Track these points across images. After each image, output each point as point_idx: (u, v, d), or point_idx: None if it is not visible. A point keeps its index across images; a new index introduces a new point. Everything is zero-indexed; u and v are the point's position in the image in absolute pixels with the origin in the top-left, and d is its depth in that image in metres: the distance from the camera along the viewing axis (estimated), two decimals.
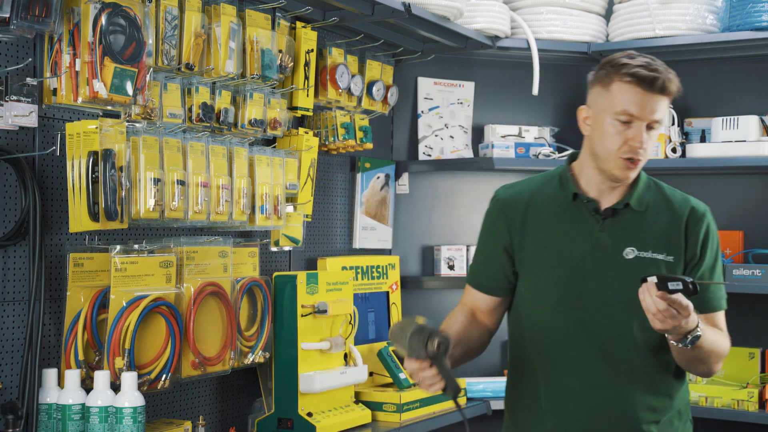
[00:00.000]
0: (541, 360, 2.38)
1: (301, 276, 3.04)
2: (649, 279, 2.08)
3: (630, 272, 2.24)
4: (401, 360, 2.22)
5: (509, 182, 2.56)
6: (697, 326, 2.14)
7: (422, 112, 4.13)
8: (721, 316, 2.37)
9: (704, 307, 2.32)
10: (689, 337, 2.14)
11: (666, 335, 2.18)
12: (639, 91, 2.22)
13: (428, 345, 2.09)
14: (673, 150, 3.88)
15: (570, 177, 2.38)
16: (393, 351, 2.21)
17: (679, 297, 2.05)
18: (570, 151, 2.48)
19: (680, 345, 2.17)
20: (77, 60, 2.39)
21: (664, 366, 2.33)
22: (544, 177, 2.46)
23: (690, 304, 2.07)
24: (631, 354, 2.31)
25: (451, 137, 4.16)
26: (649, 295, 2.06)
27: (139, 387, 2.44)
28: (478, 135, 4.22)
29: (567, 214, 2.36)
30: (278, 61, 3.05)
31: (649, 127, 2.26)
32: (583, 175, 2.37)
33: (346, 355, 3.19)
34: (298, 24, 3.22)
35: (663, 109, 2.26)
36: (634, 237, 2.32)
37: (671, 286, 2.04)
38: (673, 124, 3.96)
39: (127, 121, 2.55)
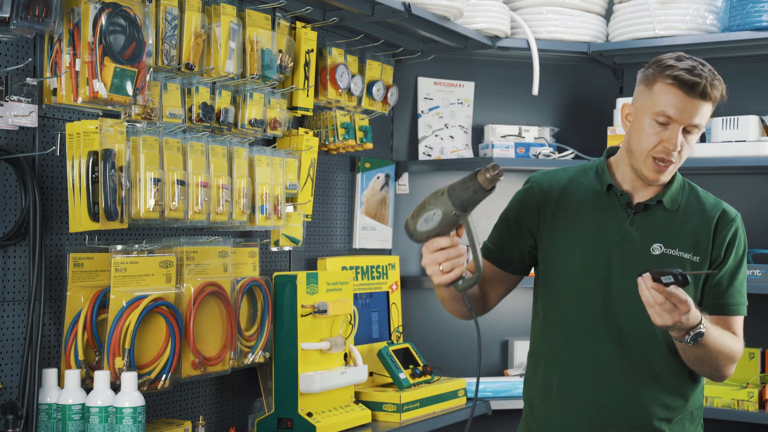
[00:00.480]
0: (558, 348, 2.39)
1: (301, 276, 3.04)
2: (644, 275, 2.09)
3: (655, 267, 2.25)
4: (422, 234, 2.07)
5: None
6: (700, 323, 2.15)
7: (422, 112, 4.13)
8: (737, 321, 2.38)
9: (720, 309, 2.34)
10: (691, 333, 2.15)
11: (670, 332, 2.19)
12: (679, 95, 2.23)
13: (478, 176, 2.00)
14: None
15: (607, 169, 2.41)
16: (413, 229, 2.02)
17: (677, 290, 2.06)
18: (608, 146, 2.51)
19: (681, 342, 2.18)
20: (77, 60, 2.39)
21: (680, 365, 2.33)
22: (581, 168, 2.49)
23: (689, 299, 2.08)
24: (649, 349, 2.32)
25: (451, 137, 4.16)
26: (646, 289, 2.08)
27: (139, 387, 2.44)
28: (478, 135, 4.22)
29: (599, 205, 2.38)
30: (278, 61, 3.05)
31: (687, 131, 2.27)
32: (619, 169, 2.40)
33: (346, 355, 3.19)
34: (298, 24, 3.22)
35: (704, 114, 2.27)
36: (663, 234, 2.34)
37: (664, 279, 2.06)
38: None
39: (127, 121, 2.55)
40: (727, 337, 2.30)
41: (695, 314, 2.12)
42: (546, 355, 2.42)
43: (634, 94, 2.37)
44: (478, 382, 2.15)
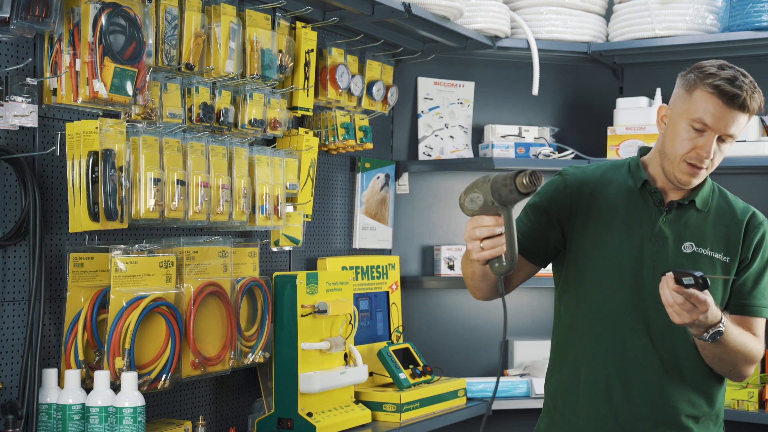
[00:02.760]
0: (586, 341, 2.39)
1: (301, 276, 3.04)
2: (667, 274, 2.11)
3: (686, 266, 2.28)
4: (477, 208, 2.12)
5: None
6: (720, 322, 2.17)
7: (422, 112, 4.13)
8: (758, 323, 2.39)
9: (742, 309, 2.35)
10: (710, 331, 2.17)
11: (688, 329, 2.21)
12: (719, 104, 2.26)
13: (517, 178, 2.04)
14: None
15: (641, 167, 2.43)
16: (464, 204, 2.15)
17: (696, 291, 2.08)
18: (640, 146, 2.52)
19: (700, 339, 2.20)
20: (77, 60, 2.39)
21: (707, 365, 2.35)
22: (612, 164, 2.50)
23: (708, 299, 2.11)
24: (678, 345, 2.33)
25: (451, 137, 4.16)
26: (667, 289, 2.10)
27: (139, 387, 2.44)
28: (478, 135, 4.22)
29: (633, 201, 2.40)
30: (278, 61, 3.05)
31: (721, 140, 2.30)
32: (651, 168, 2.42)
33: (346, 355, 3.19)
34: (298, 24, 3.22)
35: (740, 124, 2.30)
36: (695, 233, 2.37)
37: (685, 281, 2.08)
38: None
39: (127, 121, 2.55)
40: (747, 338, 2.32)
41: (715, 313, 2.15)
42: (573, 349, 2.42)
43: (673, 98, 2.38)
44: (499, 373, 2.15)
